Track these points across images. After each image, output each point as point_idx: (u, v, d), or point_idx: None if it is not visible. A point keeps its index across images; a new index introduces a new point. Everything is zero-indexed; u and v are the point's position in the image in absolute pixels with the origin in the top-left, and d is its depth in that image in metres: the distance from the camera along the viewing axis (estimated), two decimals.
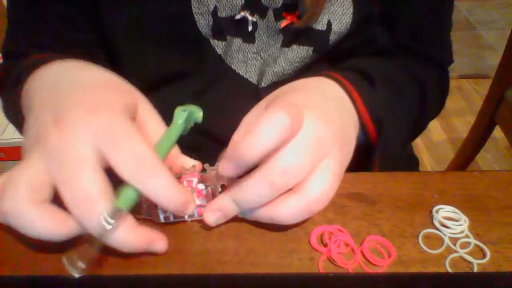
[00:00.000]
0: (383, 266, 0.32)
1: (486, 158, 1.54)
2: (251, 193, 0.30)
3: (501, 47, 1.02)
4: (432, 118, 0.55)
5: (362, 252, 0.33)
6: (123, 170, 0.28)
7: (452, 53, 0.54)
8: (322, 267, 0.32)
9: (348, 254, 0.33)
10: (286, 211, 0.31)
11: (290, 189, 0.31)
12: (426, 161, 1.54)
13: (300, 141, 0.30)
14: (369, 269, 0.32)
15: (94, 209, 0.27)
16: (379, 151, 0.41)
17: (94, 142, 0.28)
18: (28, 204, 0.27)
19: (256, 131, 0.28)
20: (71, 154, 0.27)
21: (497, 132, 1.13)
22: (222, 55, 0.46)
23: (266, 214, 0.32)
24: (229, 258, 0.33)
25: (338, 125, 0.34)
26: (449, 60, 0.54)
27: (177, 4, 0.42)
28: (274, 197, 0.30)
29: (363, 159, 0.40)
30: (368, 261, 0.33)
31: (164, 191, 0.28)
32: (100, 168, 0.28)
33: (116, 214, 0.27)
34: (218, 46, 0.45)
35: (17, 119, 0.39)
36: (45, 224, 0.28)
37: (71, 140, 0.28)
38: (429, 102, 0.49)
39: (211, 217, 0.33)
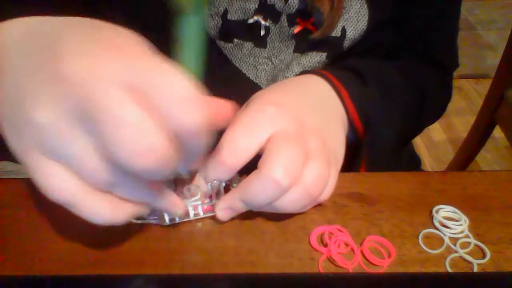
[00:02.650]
0: (383, 266, 0.32)
1: (486, 158, 1.54)
2: (259, 195, 0.31)
3: (501, 47, 1.02)
4: (433, 121, 0.55)
5: (362, 252, 0.33)
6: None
7: (458, 58, 0.54)
8: (322, 267, 0.32)
9: (348, 254, 0.33)
10: (287, 201, 0.32)
11: None
12: (426, 161, 1.54)
13: (284, 139, 0.32)
14: (369, 269, 0.32)
15: None
16: (366, 149, 0.41)
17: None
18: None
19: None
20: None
21: (497, 132, 1.13)
22: (228, 56, 0.45)
23: (270, 207, 0.33)
24: (229, 258, 0.33)
25: (312, 122, 0.35)
26: (455, 64, 0.54)
27: None
28: (282, 195, 0.31)
29: (351, 157, 0.40)
30: (368, 261, 0.33)
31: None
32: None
33: None
34: (225, 47, 0.44)
35: None
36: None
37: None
38: (428, 105, 0.49)
39: (225, 215, 0.34)
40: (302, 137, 0.33)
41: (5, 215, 0.36)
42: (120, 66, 0.21)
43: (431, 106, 0.51)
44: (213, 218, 0.35)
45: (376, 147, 0.42)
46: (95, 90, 0.21)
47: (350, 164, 0.41)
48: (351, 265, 0.32)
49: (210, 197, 0.35)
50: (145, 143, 0.21)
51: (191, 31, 0.26)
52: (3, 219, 0.36)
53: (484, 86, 1.67)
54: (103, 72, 0.21)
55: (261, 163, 0.31)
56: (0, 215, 0.37)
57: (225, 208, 0.34)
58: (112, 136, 0.21)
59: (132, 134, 0.21)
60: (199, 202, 0.35)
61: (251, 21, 0.42)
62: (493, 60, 1.80)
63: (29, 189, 0.39)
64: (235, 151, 0.32)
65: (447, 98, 0.54)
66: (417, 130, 0.53)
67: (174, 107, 0.21)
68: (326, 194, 0.34)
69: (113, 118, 0.21)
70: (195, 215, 0.35)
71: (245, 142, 0.32)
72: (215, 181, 0.33)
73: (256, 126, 0.32)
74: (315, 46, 0.44)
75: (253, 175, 0.31)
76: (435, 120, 0.56)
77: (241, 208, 0.33)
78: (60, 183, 0.24)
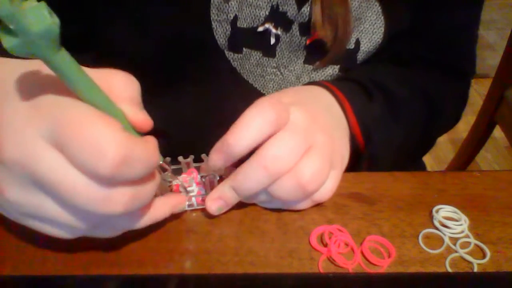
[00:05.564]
0: (383, 266, 0.32)
1: (486, 158, 1.54)
2: (248, 180, 0.31)
3: (501, 47, 1.02)
4: (445, 132, 0.54)
5: (362, 252, 0.33)
6: None
7: (476, 64, 0.53)
8: (322, 267, 0.32)
9: (348, 254, 0.33)
10: (281, 190, 0.32)
11: None
12: (426, 161, 1.54)
13: (288, 130, 0.31)
14: (369, 269, 0.32)
15: None
16: (366, 164, 0.41)
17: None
18: None
19: (243, 124, 0.30)
20: None
21: (497, 132, 1.13)
22: (237, 68, 0.44)
23: (264, 197, 0.33)
24: (229, 258, 0.33)
25: (324, 122, 0.35)
26: (473, 71, 0.53)
27: (195, 9, 0.40)
28: (270, 182, 0.31)
29: (352, 166, 0.40)
30: (368, 261, 0.33)
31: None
32: None
33: None
34: (234, 58, 0.43)
35: None
36: None
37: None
38: (441, 119, 0.49)
39: (213, 206, 0.34)
40: (310, 130, 0.32)
41: (5, 215, 0.36)
42: (41, 132, 0.23)
43: (444, 120, 0.50)
44: (213, 216, 0.35)
45: (375, 163, 0.41)
46: (29, 166, 0.23)
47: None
48: (351, 265, 0.32)
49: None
50: (96, 197, 0.23)
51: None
52: (3, 219, 0.36)
53: (484, 86, 1.67)
54: (28, 147, 0.23)
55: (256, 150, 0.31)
56: (0, 215, 0.37)
57: (215, 198, 0.34)
58: (66, 198, 0.24)
59: (76, 193, 0.23)
60: (194, 193, 0.35)
61: (261, 29, 0.40)
62: (493, 60, 1.80)
63: None
64: (242, 134, 0.31)
65: (462, 107, 0.53)
66: (427, 144, 0.52)
67: (85, 161, 0.22)
68: (324, 194, 0.34)
69: (58, 183, 0.23)
70: (189, 205, 0.36)
71: (253, 128, 0.31)
72: (211, 174, 0.33)
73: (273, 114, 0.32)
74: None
75: (244, 163, 0.31)
76: (451, 128, 0.55)
77: (231, 197, 0.33)
78: (58, 232, 0.28)
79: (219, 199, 0.34)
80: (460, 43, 0.50)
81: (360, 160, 0.41)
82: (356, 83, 0.42)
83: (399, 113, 0.43)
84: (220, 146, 0.31)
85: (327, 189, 0.34)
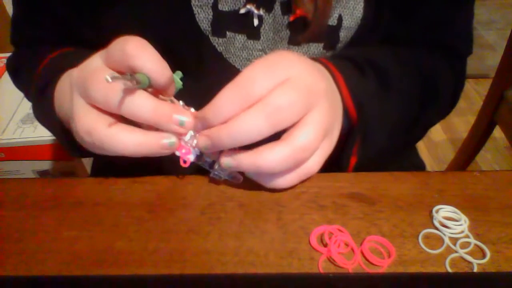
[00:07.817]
0: (383, 266, 0.32)
1: (486, 158, 1.54)
2: (246, 125, 0.31)
3: (501, 47, 1.02)
4: (443, 115, 0.54)
5: (362, 252, 0.33)
6: None
7: (472, 43, 0.52)
8: (322, 267, 0.32)
9: (348, 254, 0.33)
10: (272, 157, 0.32)
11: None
12: (426, 161, 1.54)
13: (293, 83, 0.32)
14: (369, 269, 0.32)
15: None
16: (358, 136, 0.40)
17: None
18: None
19: (217, 98, 0.32)
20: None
21: (497, 132, 1.13)
22: (222, 53, 0.44)
23: (252, 162, 0.33)
24: (229, 258, 0.33)
25: (325, 86, 0.35)
26: (469, 50, 0.53)
27: None
28: (267, 134, 0.31)
29: (344, 144, 0.40)
30: (368, 261, 0.33)
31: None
32: None
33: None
34: (219, 43, 0.43)
35: (50, 121, 0.43)
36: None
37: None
38: (435, 99, 0.48)
39: (201, 141, 0.34)
40: (312, 92, 0.32)
41: (5, 215, 0.37)
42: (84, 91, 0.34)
43: (440, 99, 0.50)
44: (213, 216, 0.35)
45: (368, 140, 0.41)
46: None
47: (342, 150, 0.40)
48: (351, 265, 0.32)
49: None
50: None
51: None
52: (3, 219, 0.36)
53: (484, 86, 1.67)
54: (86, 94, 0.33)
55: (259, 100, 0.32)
56: (0, 215, 0.37)
57: (205, 134, 0.33)
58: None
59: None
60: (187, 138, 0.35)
61: (243, 11, 0.40)
62: (493, 60, 1.80)
63: (29, 189, 0.39)
64: (253, 86, 0.31)
65: (459, 86, 0.53)
66: (423, 125, 0.52)
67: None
68: (313, 165, 0.35)
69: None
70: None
71: (264, 79, 0.31)
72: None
73: (276, 66, 0.32)
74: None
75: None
76: (449, 111, 0.55)
77: (219, 139, 0.32)
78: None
79: (207, 137, 0.33)
80: (455, 22, 0.49)
81: (352, 136, 0.40)
82: (348, 60, 0.42)
83: (391, 89, 0.43)
84: (198, 113, 0.34)
85: (316, 161, 0.34)
